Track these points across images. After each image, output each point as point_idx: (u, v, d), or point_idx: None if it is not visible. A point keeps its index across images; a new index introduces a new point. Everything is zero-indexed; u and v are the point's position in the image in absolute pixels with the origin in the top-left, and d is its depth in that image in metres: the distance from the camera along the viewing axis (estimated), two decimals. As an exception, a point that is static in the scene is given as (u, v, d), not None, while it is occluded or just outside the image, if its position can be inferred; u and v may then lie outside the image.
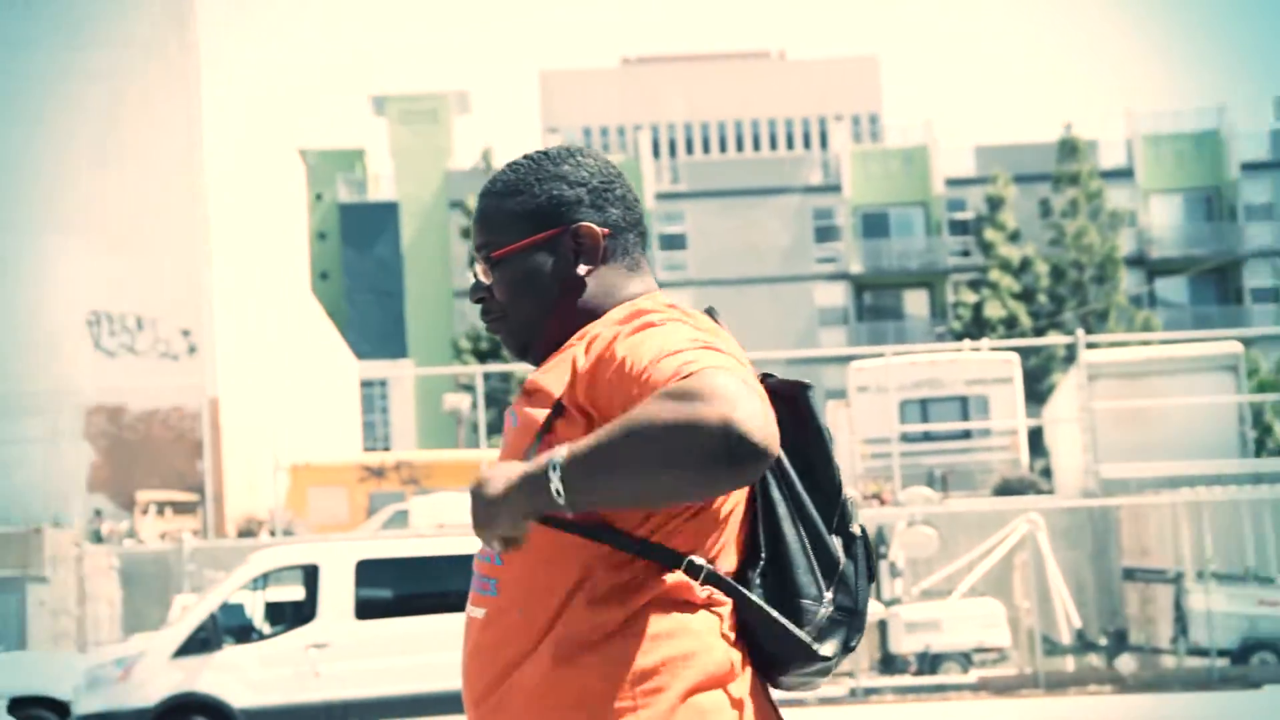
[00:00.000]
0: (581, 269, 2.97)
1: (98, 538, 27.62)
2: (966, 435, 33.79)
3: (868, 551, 2.82)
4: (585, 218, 2.99)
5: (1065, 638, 24.65)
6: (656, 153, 72.49)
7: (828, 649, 2.75)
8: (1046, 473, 36.69)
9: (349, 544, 18.52)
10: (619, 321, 2.85)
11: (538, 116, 76.41)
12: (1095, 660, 24.85)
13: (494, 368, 36.73)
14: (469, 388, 53.26)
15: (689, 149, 74.74)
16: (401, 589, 17.76)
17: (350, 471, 33.35)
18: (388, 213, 71.18)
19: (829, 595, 2.75)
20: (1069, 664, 24.98)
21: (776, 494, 2.79)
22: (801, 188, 67.00)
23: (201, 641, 16.93)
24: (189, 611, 17.50)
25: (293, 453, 33.62)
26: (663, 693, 2.67)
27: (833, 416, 38.43)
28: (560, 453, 2.61)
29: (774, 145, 74.99)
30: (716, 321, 2.99)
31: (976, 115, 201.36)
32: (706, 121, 75.36)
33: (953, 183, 66.63)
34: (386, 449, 59.91)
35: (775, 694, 2.91)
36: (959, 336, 56.64)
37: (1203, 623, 23.30)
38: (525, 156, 3.07)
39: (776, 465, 2.80)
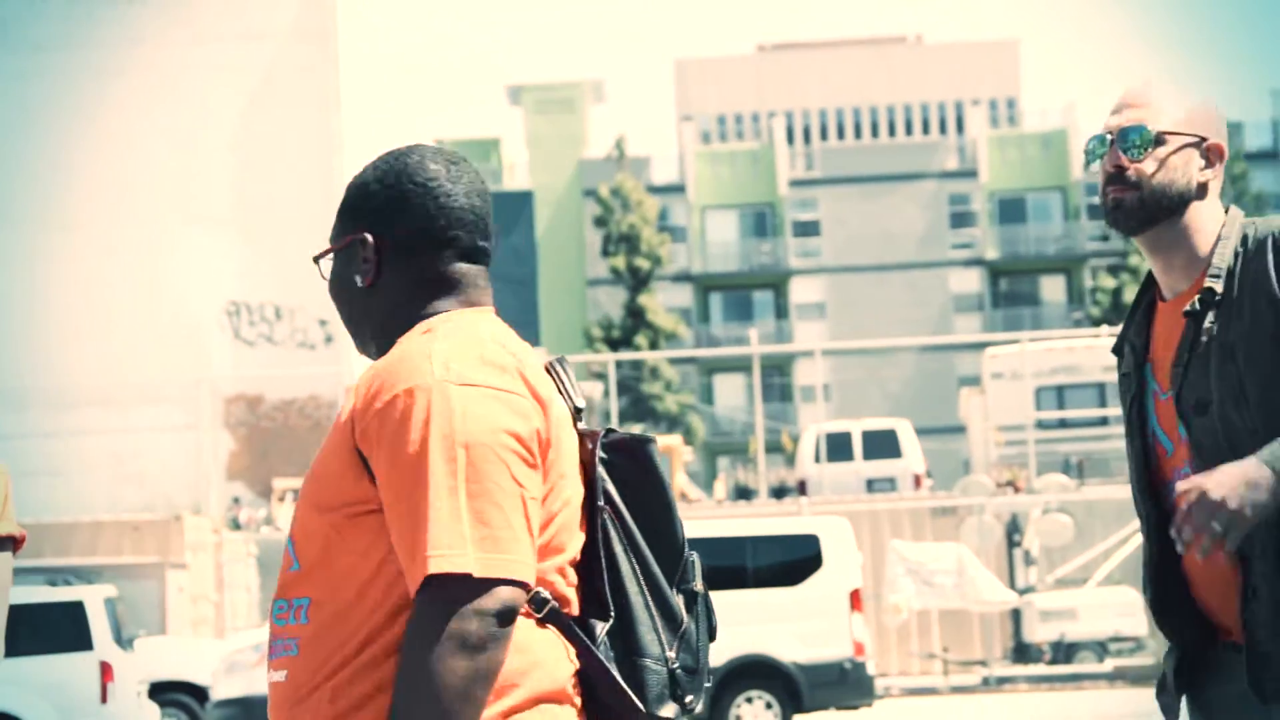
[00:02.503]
0: (359, 280, 2.83)
1: (236, 525, 28.09)
2: (1104, 422, 33.51)
3: (708, 609, 2.74)
4: (374, 228, 2.83)
5: (1203, 627, 24.41)
6: (791, 139, 72.33)
7: (668, 710, 2.67)
8: (1186, 460, 36.30)
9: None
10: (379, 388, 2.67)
11: (672, 104, 76.51)
12: (1234, 650, 24.58)
13: (626, 355, 36.95)
14: (601, 375, 53.47)
15: (824, 135, 74.52)
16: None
17: (484, 459, 33.59)
18: (522, 202, 71.64)
19: (672, 654, 2.67)
20: (1207, 654, 24.72)
21: (619, 550, 2.71)
22: (937, 173, 66.62)
23: (336, 627, 17.20)
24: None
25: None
26: (509, 698, 2.61)
27: (967, 404, 38.24)
28: None
29: (910, 131, 74.58)
30: (558, 373, 2.80)
31: (1117, 98, 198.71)
32: (842, 107, 75.08)
33: (1092, 167, 65.89)
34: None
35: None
36: (1097, 322, 56.11)
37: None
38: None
39: (620, 521, 2.72)
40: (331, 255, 2.90)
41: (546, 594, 2.64)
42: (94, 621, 15.91)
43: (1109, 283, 61.08)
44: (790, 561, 18.44)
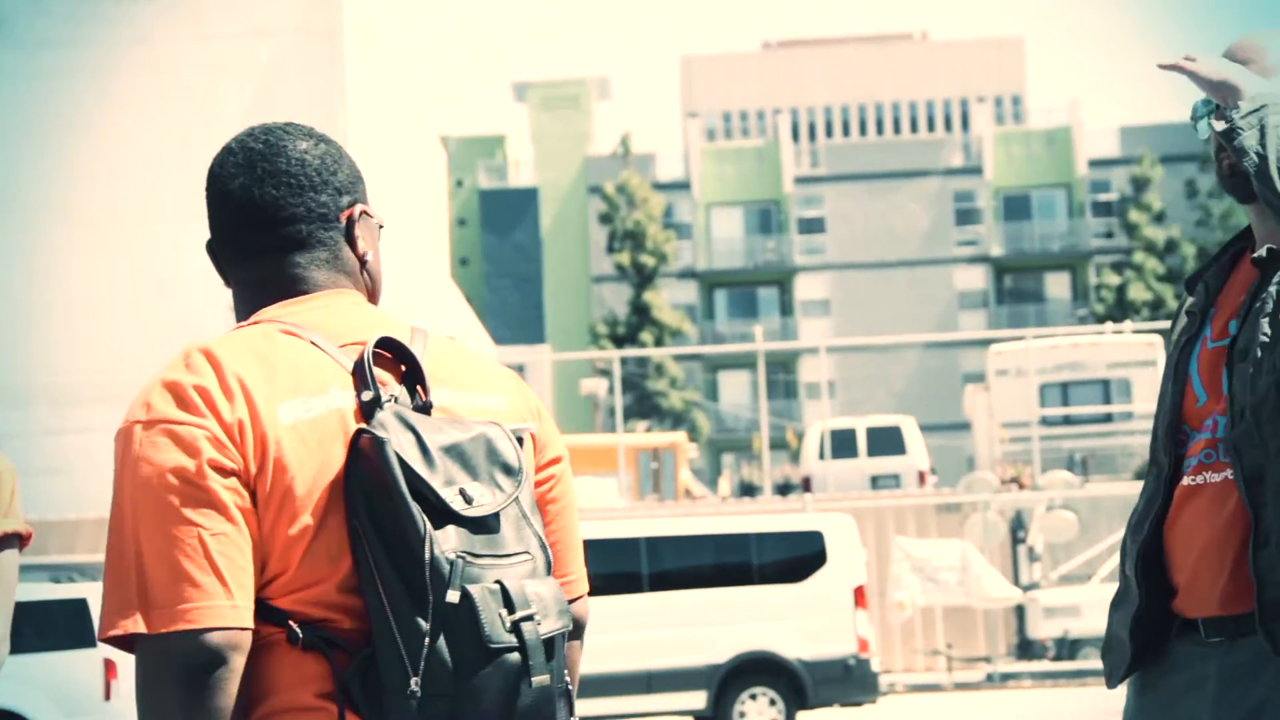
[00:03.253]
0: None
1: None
2: (1108, 419, 33.51)
3: (474, 618, 2.38)
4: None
5: (1207, 624, 24.40)
6: (796, 136, 72.36)
7: None
8: (1190, 457, 36.31)
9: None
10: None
11: (678, 101, 76.51)
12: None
13: (631, 352, 36.92)
14: (606, 372, 53.52)
15: (829, 132, 74.55)
16: (537, 572, 17.96)
17: (489, 456, 33.59)
18: (527, 199, 71.66)
19: (414, 681, 2.38)
20: (1211, 650, 24.72)
21: (364, 571, 2.42)
22: (942, 170, 66.61)
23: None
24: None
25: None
26: None
27: (971, 400, 38.25)
28: None
29: (915, 128, 74.60)
30: (364, 362, 2.50)
31: (1122, 95, 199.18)
32: (847, 104, 75.13)
33: (1096, 164, 65.94)
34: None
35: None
36: (1101, 319, 56.11)
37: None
38: None
39: (366, 536, 2.42)
40: None
41: (297, 628, 2.42)
42: (98, 619, 15.92)
43: (1113, 279, 61.06)
44: (794, 558, 18.45)
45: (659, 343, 59.86)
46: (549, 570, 2.48)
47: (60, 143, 33.02)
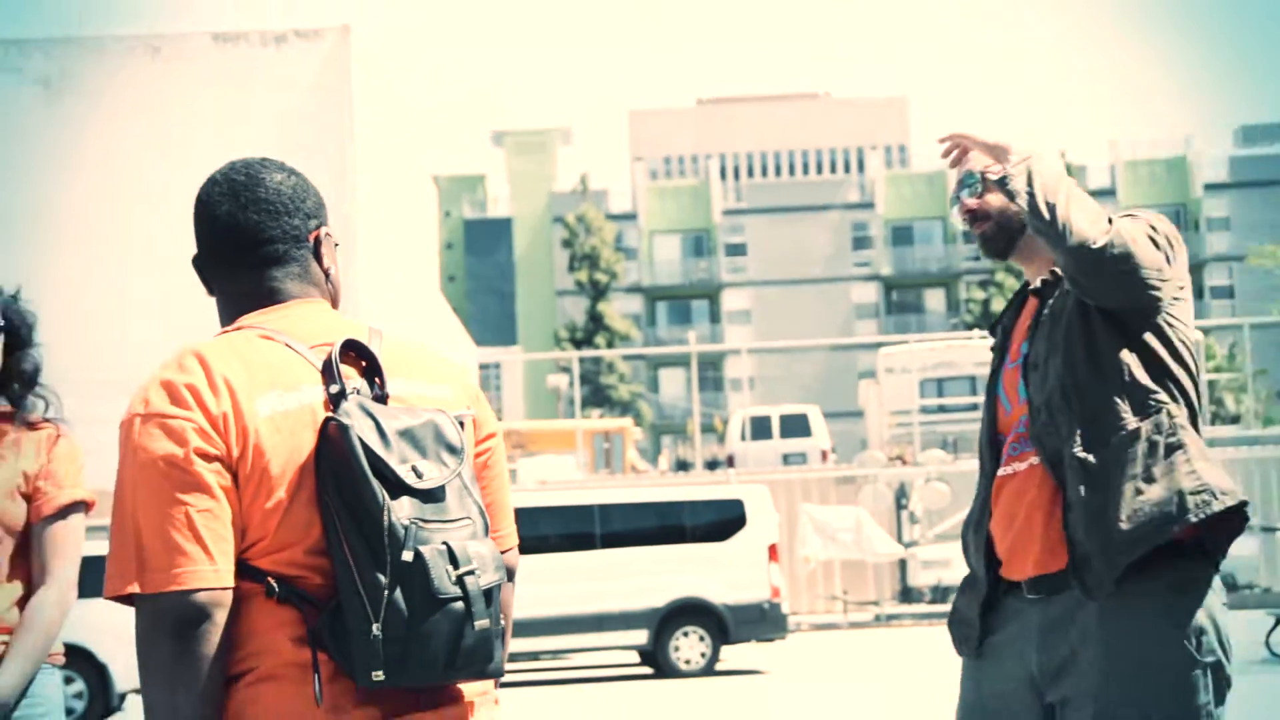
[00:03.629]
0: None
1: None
2: (975, 408, 33.62)
3: (425, 574, 2.34)
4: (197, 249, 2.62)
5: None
6: (724, 176, 72.38)
7: (378, 675, 2.35)
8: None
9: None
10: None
11: (627, 147, 76.47)
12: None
13: (588, 353, 36.80)
14: (567, 370, 53.49)
15: (750, 173, 74.59)
16: (510, 533, 17.93)
17: (471, 438, 33.45)
18: (503, 227, 71.51)
19: (375, 626, 2.33)
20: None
21: (331, 536, 2.39)
22: (842, 205, 66.77)
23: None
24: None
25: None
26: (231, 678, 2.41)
27: (865, 392, 38.39)
28: None
29: (820, 170, 74.76)
30: (333, 358, 2.46)
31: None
32: (765, 151, 75.20)
33: (967, 200, 66.17)
34: (499, 419, 60.13)
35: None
36: (970, 327, 56.35)
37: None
38: None
39: (334, 507, 2.38)
40: None
41: (274, 583, 2.39)
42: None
43: (980, 295, 61.36)
44: (720, 521, 18.45)
45: (610, 345, 59.85)
46: (486, 532, 2.45)
47: (114, 177, 32.86)
